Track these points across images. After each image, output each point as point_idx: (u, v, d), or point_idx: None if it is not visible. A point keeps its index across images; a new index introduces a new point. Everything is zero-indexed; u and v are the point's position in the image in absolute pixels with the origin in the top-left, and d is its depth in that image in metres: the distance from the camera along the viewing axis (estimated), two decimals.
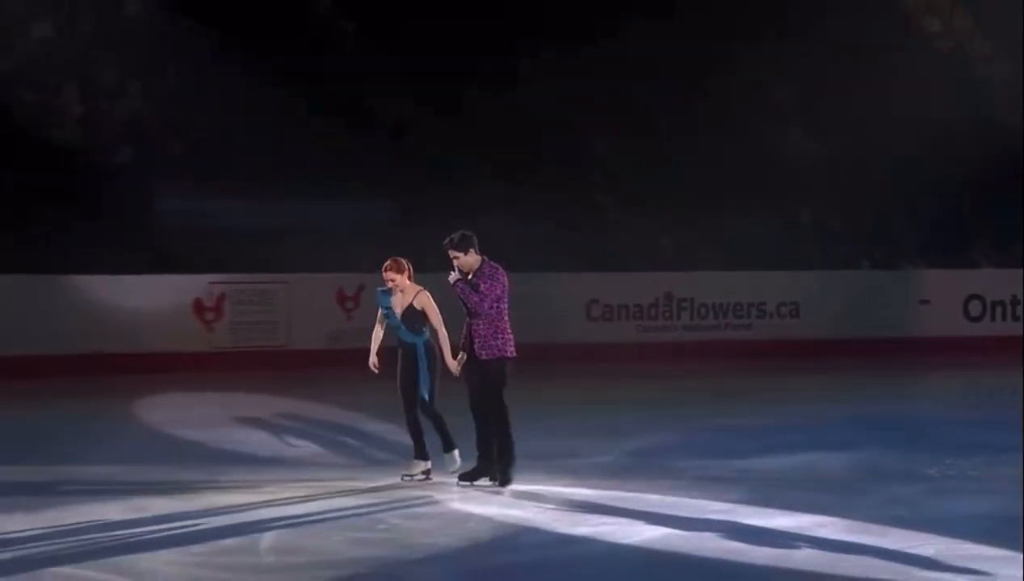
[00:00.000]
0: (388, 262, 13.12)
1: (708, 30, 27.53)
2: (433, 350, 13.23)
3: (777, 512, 11.73)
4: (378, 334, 13.36)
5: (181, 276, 23.21)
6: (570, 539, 11.19)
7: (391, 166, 25.62)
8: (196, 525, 11.47)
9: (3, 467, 14.02)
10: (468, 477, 13.03)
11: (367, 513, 12.07)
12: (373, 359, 13.28)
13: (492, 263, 13.14)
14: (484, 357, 12.87)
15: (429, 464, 13.08)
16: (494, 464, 13.10)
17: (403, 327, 13.23)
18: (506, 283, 13.09)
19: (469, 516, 11.96)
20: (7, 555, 10.40)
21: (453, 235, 12.95)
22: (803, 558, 10.33)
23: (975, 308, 24.08)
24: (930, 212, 25.13)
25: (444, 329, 13.14)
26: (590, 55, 26.90)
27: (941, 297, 24.18)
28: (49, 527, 11.34)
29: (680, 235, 25.21)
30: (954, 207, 25.69)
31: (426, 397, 13.13)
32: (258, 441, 15.71)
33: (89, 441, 15.69)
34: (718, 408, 18.25)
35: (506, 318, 13.02)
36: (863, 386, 20.17)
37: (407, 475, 13.15)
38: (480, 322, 12.92)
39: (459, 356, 13.01)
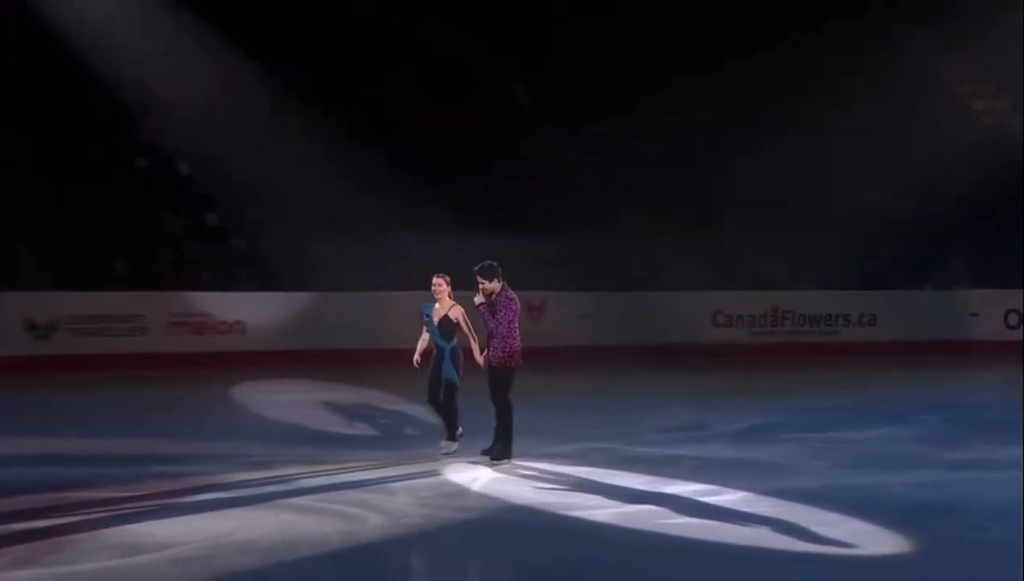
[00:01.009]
0: (439, 279, 14.68)
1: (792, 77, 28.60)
2: (458, 354, 14.67)
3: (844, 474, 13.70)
4: (424, 338, 14.82)
5: None
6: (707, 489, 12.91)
7: (559, 206, 27.83)
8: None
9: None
10: (488, 452, 14.80)
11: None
12: (416, 357, 14.88)
13: (509, 292, 14.70)
14: (494, 363, 14.46)
15: (455, 445, 14.73)
16: (498, 442, 14.78)
17: (437, 333, 14.64)
18: (517, 309, 14.70)
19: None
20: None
21: (483, 264, 14.57)
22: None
23: (1012, 319, 26.24)
24: (978, 244, 27.20)
25: (474, 335, 14.71)
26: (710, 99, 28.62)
27: (986, 311, 26.47)
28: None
29: (786, 262, 27.52)
30: (995, 239, 27.19)
31: (451, 386, 14.57)
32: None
33: None
34: (814, 393, 20.50)
35: (516, 335, 14.58)
36: (925, 379, 22.01)
37: (444, 452, 14.63)
38: (495, 338, 14.42)
39: (484, 354, 14.48)
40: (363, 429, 17.59)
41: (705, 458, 14.84)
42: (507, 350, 14.42)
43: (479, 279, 14.38)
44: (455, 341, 14.58)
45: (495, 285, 14.40)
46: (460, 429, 14.65)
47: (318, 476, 13.76)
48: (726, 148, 28.52)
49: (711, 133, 28.75)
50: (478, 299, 14.36)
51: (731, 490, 12.64)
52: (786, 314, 27.36)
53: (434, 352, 14.56)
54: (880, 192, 28.25)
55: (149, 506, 12.58)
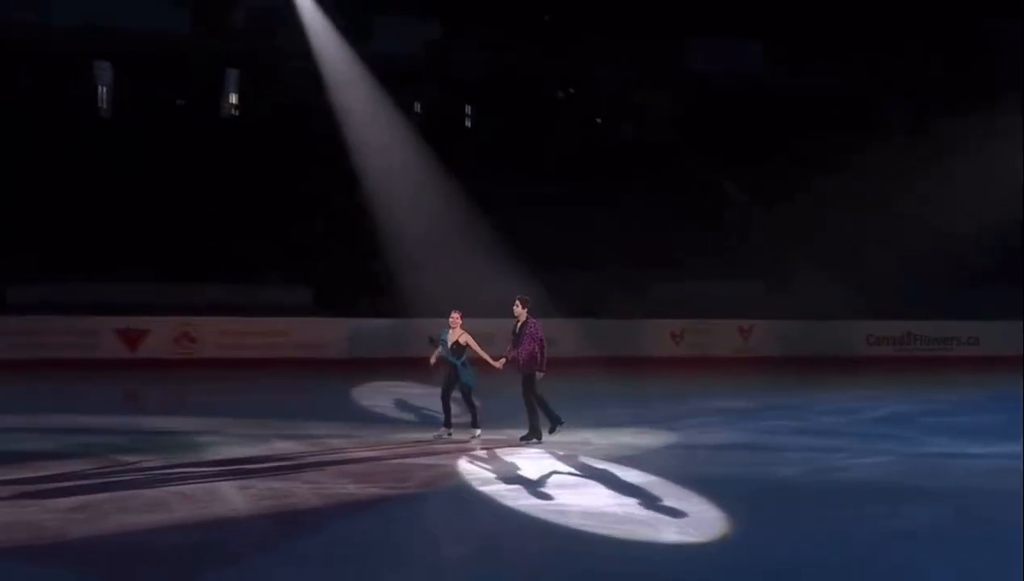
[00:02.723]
0: (455, 314, 16.08)
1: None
2: (467, 366, 15.87)
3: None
4: (438, 352, 16.12)
5: None
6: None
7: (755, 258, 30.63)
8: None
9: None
10: (525, 437, 16.37)
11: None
12: (432, 359, 16.21)
13: (534, 320, 16.23)
14: (521, 368, 16.04)
15: (478, 431, 16.12)
16: (532, 429, 16.29)
17: (449, 352, 15.92)
18: (538, 334, 16.10)
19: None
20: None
21: (522, 297, 16.23)
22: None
23: None
24: None
25: (482, 351, 16.04)
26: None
27: None
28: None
29: (915, 299, 29.65)
30: None
31: (468, 389, 15.91)
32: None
33: None
34: (936, 390, 23.47)
35: (536, 352, 15.94)
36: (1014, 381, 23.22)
37: (473, 437, 16.00)
38: (522, 353, 16.09)
39: (500, 359, 15.98)
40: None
41: (861, 433, 17.88)
42: (531, 361, 16.11)
43: (515, 307, 16.21)
44: (464, 358, 15.95)
45: (523, 313, 16.19)
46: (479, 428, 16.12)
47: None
48: (879, 215, 30.98)
49: (862, 205, 31.25)
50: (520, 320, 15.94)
51: (877, 454, 15.83)
52: (916, 336, 30.57)
53: (448, 367, 16.03)
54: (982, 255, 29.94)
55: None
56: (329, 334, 26.95)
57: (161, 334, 25.69)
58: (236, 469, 14.17)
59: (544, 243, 28.61)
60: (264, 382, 22.87)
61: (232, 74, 33.13)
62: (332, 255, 28.74)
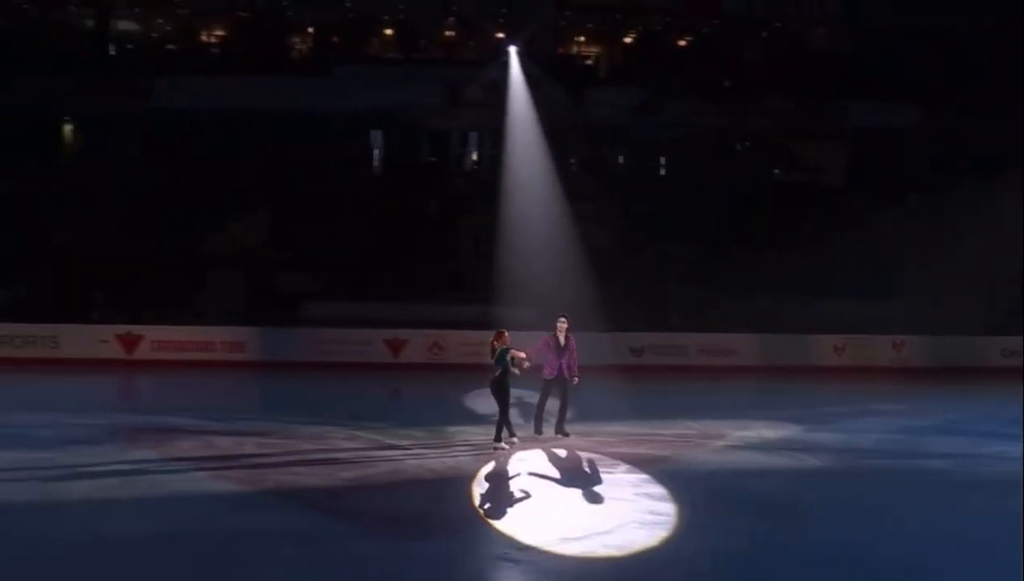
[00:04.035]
0: (496, 333, 16.07)
1: None
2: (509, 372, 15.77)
3: None
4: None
5: None
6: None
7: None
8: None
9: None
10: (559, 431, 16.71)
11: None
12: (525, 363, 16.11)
13: (570, 335, 16.52)
14: (565, 375, 16.38)
15: (515, 439, 16.03)
16: (556, 425, 16.68)
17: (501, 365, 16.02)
18: (572, 347, 16.45)
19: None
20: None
21: (566, 316, 16.54)
22: None
23: None
24: None
25: (523, 355, 16.09)
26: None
27: None
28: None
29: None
30: None
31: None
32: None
33: None
34: None
35: (573, 363, 16.32)
36: None
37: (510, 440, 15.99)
38: (568, 363, 16.35)
39: (524, 363, 15.96)
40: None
41: (1003, 433, 17.94)
42: (571, 368, 16.54)
43: (564, 323, 16.55)
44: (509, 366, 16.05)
45: (564, 328, 16.54)
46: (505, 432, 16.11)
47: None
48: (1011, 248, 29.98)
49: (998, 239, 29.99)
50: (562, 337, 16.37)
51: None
52: (1015, 351, 28.46)
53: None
54: None
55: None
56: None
57: (417, 344, 27.33)
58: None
59: (730, 269, 29.73)
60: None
61: (473, 137, 34.03)
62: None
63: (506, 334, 15.85)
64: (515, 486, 13.68)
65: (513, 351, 15.84)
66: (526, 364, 16.00)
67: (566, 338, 16.32)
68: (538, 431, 16.54)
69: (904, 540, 11.57)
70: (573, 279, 29.18)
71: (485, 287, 27.17)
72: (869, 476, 14.62)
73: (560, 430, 16.54)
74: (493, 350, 15.77)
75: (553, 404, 16.78)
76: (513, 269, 27.03)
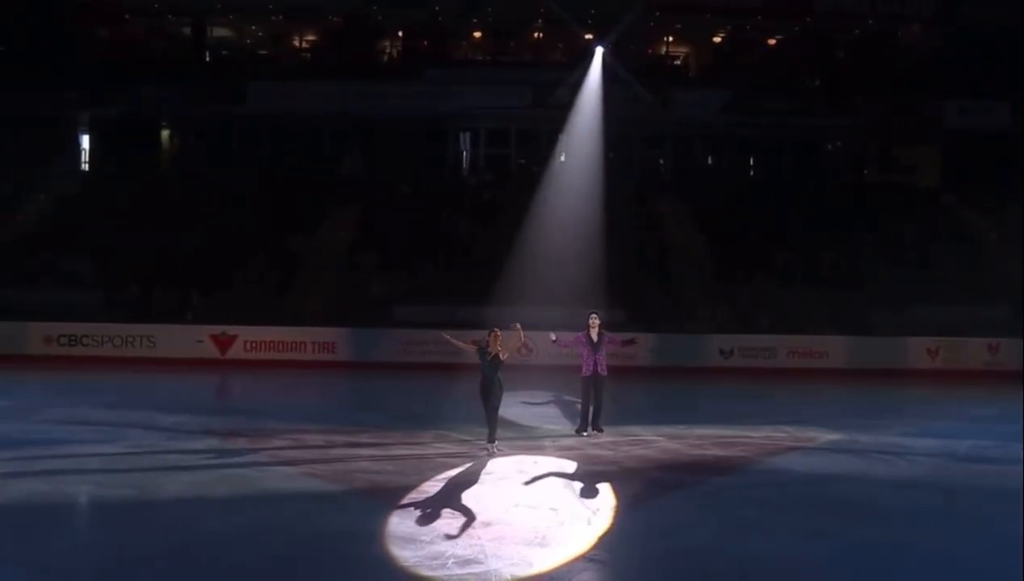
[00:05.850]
0: (491, 333, 15.22)
1: None
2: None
3: None
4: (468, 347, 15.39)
5: None
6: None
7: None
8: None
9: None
10: (580, 429, 16.42)
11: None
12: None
13: (603, 332, 16.21)
14: (600, 372, 16.04)
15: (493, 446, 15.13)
16: (590, 421, 16.25)
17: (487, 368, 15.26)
18: (610, 340, 16.20)
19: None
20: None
21: (598, 312, 16.36)
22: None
23: None
24: None
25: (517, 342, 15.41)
26: None
27: None
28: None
29: None
30: None
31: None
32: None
33: None
34: None
35: (600, 356, 15.95)
36: None
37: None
38: (600, 357, 15.97)
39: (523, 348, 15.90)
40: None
41: None
42: (604, 364, 16.21)
43: (597, 319, 16.22)
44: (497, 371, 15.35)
45: (597, 325, 16.13)
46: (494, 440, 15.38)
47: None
48: None
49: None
50: (594, 333, 15.98)
51: None
52: None
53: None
54: None
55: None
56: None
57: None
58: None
59: (820, 269, 29.71)
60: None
61: (560, 138, 34.25)
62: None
63: (499, 333, 15.26)
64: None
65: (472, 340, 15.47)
66: (523, 351, 16.02)
67: (599, 334, 16.15)
68: (584, 429, 16.36)
69: (1007, 549, 11.05)
70: (659, 281, 29.96)
71: (570, 289, 26.55)
72: (965, 482, 14.24)
73: (596, 426, 16.39)
74: (482, 350, 15.22)
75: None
76: (596, 270, 26.90)
